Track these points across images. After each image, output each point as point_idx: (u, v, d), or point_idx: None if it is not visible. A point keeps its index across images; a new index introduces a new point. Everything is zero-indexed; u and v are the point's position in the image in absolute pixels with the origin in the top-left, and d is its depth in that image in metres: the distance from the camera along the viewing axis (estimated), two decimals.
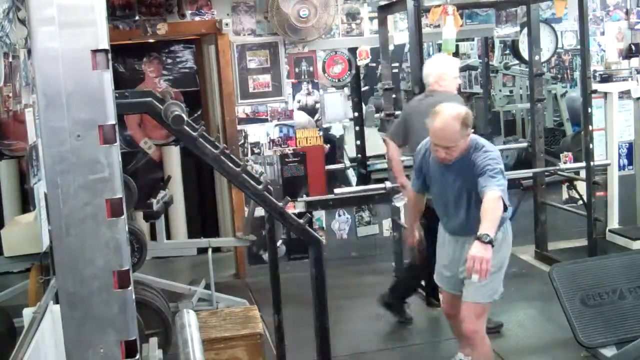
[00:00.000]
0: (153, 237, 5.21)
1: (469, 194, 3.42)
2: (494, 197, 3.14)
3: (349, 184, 7.01)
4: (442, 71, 4.45)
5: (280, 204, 2.95)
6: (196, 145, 2.84)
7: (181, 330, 2.27)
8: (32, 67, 2.51)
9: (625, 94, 6.26)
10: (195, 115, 6.92)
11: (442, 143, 3.33)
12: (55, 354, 2.34)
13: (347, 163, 7.24)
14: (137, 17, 5.51)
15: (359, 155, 6.88)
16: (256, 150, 5.84)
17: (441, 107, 3.44)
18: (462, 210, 3.49)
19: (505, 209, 3.24)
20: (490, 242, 3.01)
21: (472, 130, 3.42)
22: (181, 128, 2.77)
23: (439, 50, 8.89)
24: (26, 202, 3.47)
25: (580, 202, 6.02)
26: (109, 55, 1.35)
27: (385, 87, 5.63)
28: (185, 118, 2.79)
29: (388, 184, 5.55)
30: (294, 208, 5.53)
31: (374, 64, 8.05)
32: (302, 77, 5.86)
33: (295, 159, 5.90)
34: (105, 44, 1.34)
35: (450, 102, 3.58)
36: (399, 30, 6.03)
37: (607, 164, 6.05)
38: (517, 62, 7.68)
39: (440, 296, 4.09)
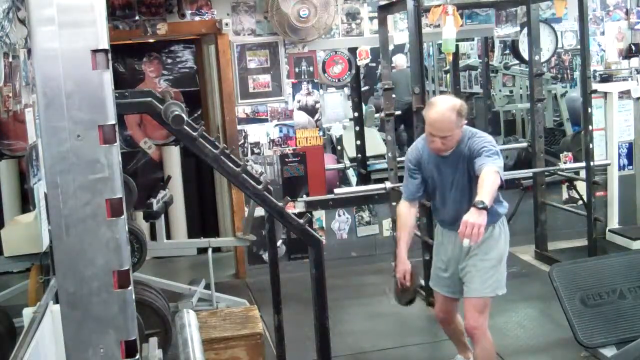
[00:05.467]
0: (153, 237, 5.21)
1: (469, 185, 3.44)
2: (491, 170, 3.19)
3: (349, 184, 7.02)
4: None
5: (280, 204, 2.95)
6: (196, 145, 2.85)
7: (181, 330, 2.27)
8: (32, 67, 2.51)
9: (625, 94, 6.25)
10: (195, 115, 6.93)
11: (439, 133, 3.38)
12: (55, 354, 2.34)
13: (347, 163, 7.25)
14: (137, 17, 5.50)
15: (359, 155, 6.88)
16: (256, 150, 5.84)
17: (436, 98, 3.56)
18: (460, 203, 3.48)
19: (501, 186, 3.24)
20: (485, 208, 3.04)
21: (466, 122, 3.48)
22: (181, 128, 2.78)
23: (439, 50, 8.96)
24: (26, 202, 3.47)
25: (580, 202, 6.03)
26: (109, 55, 1.35)
27: (385, 87, 5.63)
28: (185, 118, 2.79)
29: (388, 184, 5.56)
30: (294, 208, 5.54)
31: (374, 64, 8.07)
32: (302, 77, 5.86)
33: (295, 159, 5.90)
34: (105, 44, 1.34)
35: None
36: (399, 30, 6.03)
37: (607, 164, 6.05)
38: (517, 62, 7.69)
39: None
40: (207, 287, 5.08)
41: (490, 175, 3.18)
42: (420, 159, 3.63)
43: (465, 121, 3.47)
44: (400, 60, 9.01)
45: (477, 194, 3.15)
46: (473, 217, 3.03)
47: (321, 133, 6.06)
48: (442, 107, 3.39)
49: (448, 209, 3.59)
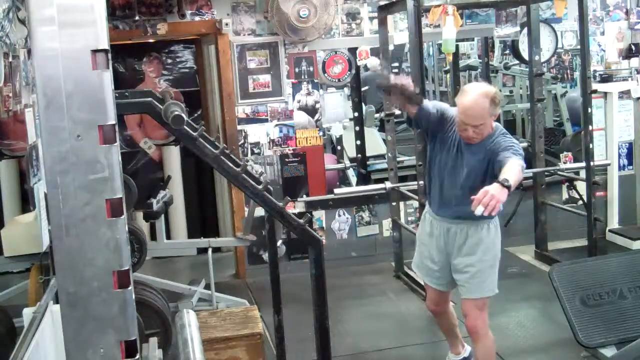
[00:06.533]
0: (153, 237, 5.21)
1: (478, 181, 3.32)
2: (518, 163, 3.17)
3: (349, 184, 7.02)
4: None
5: (280, 204, 2.95)
6: (196, 145, 2.84)
7: (181, 330, 2.27)
8: (32, 67, 2.51)
9: (625, 94, 6.25)
10: (195, 115, 6.92)
11: (471, 121, 3.30)
12: (55, 354, 2.34)
13: (347, 163, 7.25)
14: (137, 17, 5.50)
15: (359, 155, 6.88)
16: (256, 150, 5.84)
17: (469, 86, 3.45)
18: (464, 194, 3.35)
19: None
20: (509, 188, 2.98)
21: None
22: (181, 128, 2.78)
23: (439, 50, 8.95)
24: (26, 202, 3.47)
25: (580, 202, 6.02)
26: (109, 55, 1.35)
27: None
28: (185, 118, 2.79)
29: (388, 184, 5.56)
30: (294, 208, 5.54)
31: None
32: (302, 77, 5.86)
33: (295, 159, 5.90)
34: (105, 44, 1.34)
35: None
36: (399, 30, 6.03)
37: (607, 164, 6.05)
38: (517, 62, 7.69)
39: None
40: (207, 287, 5.08)
41: (517, 166, 3.15)
42: (452, 123, 3.48)
43: (499, 111, 3.39)
44: (373, 62, 8.38)
45: (498, 176, 3.08)
46: (496, 191, 2.95)
47: (321, 133, 6.06)
48: (476, 94, 3.30)
49: (443, 192, 3.52)
